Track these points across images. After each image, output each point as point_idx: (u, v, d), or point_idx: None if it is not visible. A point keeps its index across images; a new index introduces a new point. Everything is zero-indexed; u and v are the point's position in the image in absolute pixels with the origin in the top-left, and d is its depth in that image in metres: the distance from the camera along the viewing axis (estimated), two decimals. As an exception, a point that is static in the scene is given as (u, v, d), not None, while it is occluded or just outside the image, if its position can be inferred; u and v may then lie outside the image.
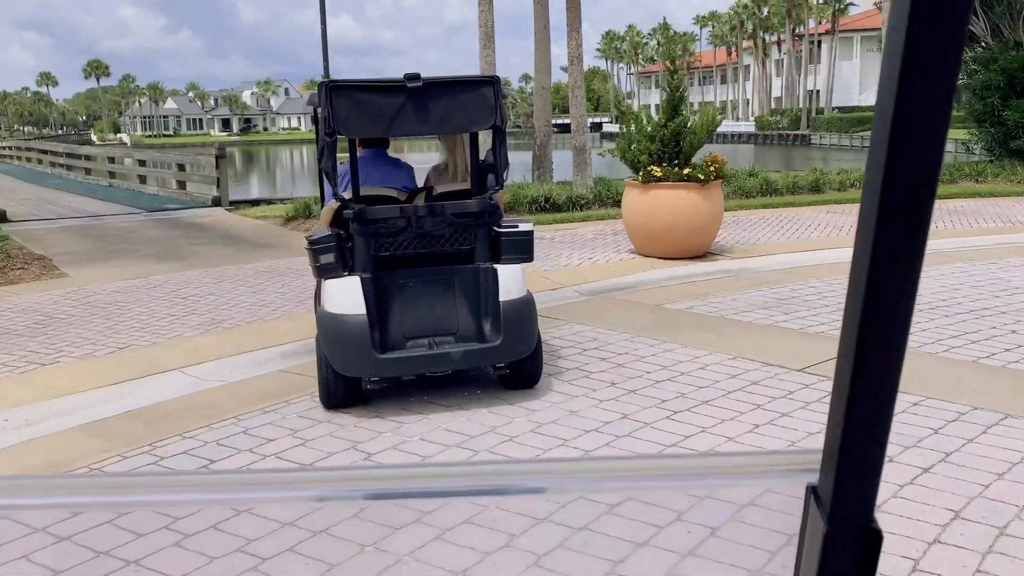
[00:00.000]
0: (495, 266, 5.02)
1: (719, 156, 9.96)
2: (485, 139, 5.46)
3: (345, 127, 4.77)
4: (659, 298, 8.11)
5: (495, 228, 5.07)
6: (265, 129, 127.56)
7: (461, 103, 4.83)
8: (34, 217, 14.41)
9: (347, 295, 4.81)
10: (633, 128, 10.08)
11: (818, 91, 71.88)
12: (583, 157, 15.17)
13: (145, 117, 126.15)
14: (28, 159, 31.28)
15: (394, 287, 4.96)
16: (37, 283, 9.23)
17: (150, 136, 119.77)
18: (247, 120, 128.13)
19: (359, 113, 4.75)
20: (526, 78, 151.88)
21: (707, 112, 10.19)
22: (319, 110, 4.99)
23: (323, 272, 4.95)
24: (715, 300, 7.89)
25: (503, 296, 4.93)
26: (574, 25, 14.95)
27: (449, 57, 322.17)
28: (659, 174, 9.61)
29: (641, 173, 9.76)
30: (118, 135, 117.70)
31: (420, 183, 5.79)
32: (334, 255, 4.83)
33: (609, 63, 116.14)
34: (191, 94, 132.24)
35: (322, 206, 6.04)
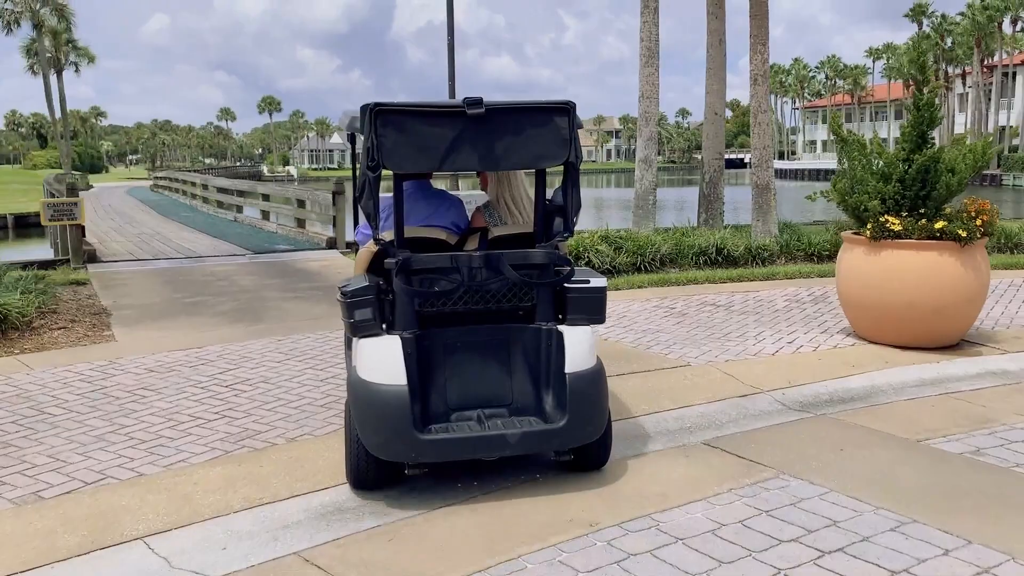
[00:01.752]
0: (560, 328, 4.23)
1: (987, 203, 6.92)
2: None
3: (392, 160, 3.93)
4: (914, 423, 5.26)
5: (564, 283, 4.26)
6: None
7: (529, 134, 4.02)
8: (130, 257, 12.96)
9: (386, 360, 4.02)
10: (857, 163, 7.18)
11: (1011, 126, 65.46)
12: (766, 197, 12.25)
13: (312, 151, 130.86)
14: (173, 189, 31.15)
15: (440, 349, 4.24)
16: (69, 350, 7.27)
17: (315, 169, 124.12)
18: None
19: (409, 144, 3.93)
20: (683, 112, 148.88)
21: (975, 144, 7.13)
22: (359, 138, 4.15)
23: (357, 330, 4.13)
24: (1010, 433, 4.96)
25: (570, 365, 4.14)
26: (759, 37, 12.13)
27: (602, 94, 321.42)
28: (898, 227, 6.70)
29: (870, 225, 6.85)
30: (287, 167, 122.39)
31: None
32: (371, 310, 4.08)
33: (773, 97, 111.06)
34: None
35: (357, 247, 5.08)
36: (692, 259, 11.21)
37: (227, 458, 4.71)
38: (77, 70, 58.36)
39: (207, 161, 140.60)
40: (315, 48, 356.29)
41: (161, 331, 8.02)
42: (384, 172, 4.00)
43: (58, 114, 58.57)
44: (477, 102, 3.89)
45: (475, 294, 4.24)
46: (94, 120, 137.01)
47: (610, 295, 9.89)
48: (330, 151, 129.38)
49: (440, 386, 4.23)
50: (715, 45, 13.65)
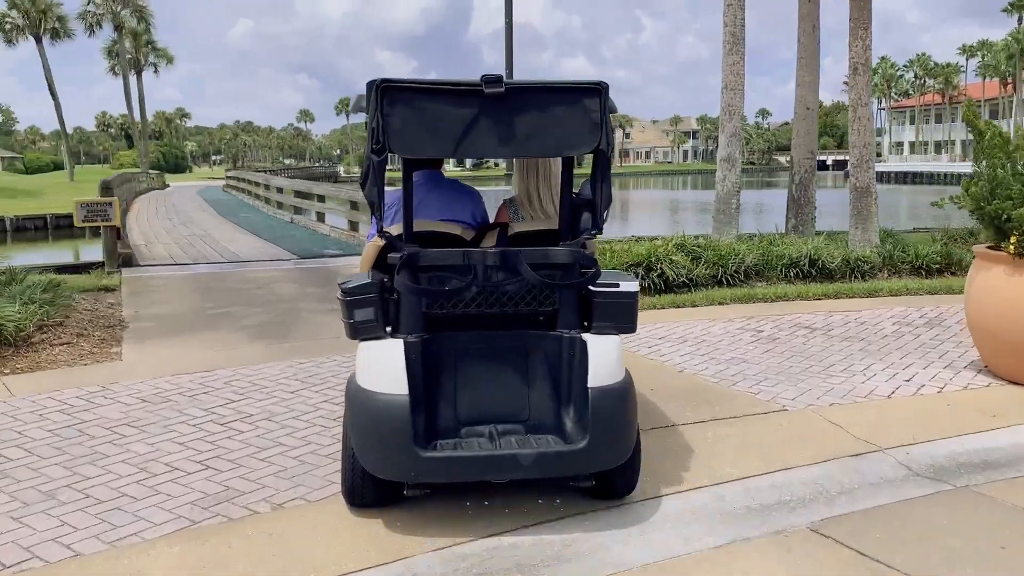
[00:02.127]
0: (584, 336, 3.73)
1: None
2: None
3: (400, 143, 3.43)
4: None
5: (589, 286, 3.74)
6: (496, 164, 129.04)
7: (555, 117, 3.50)
8: (169, 261, 12.22)
9: (386, 366, 3.59)
10: (997, 162, 5.82)
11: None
12: (866, 202, 10.81)
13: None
14: (240, 189, 30.87)
15: (450, 356, 3.78)
16: (64, 371, 6.41)
17: (392, 170, 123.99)
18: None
19: (419, 125, 3.43)
20: (763, 112, 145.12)
21: None
22: (366, 119, 3.56)
23: (357, 331, 3.67)
24: None
25: (594, 379, 3.63)
26: (860, 20, 10.70)
27: (679, 94, 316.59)
28: (1053, 242, 5.33)
29: (1014, 239, 5.51)
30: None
31: (491, 215, 4.54)
32: (373, 310, 3.62)
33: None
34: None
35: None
36: (781, 271, 9.87)
37: (191, 533, 3.69)
38: (156, 71, 59.37)
39: (286, 162, 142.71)
40: (393, 50, 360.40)
41: (174, 348, 7.11)
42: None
43: (137, 115, 59.56)
44: (496, 80, 3.41)
45: (490, 296, 3.79)
46: (179, 121, 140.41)
47: (687, 313, 8.77)
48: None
49: (449, 397, 3.81)
50: (808, 32, 12.25)
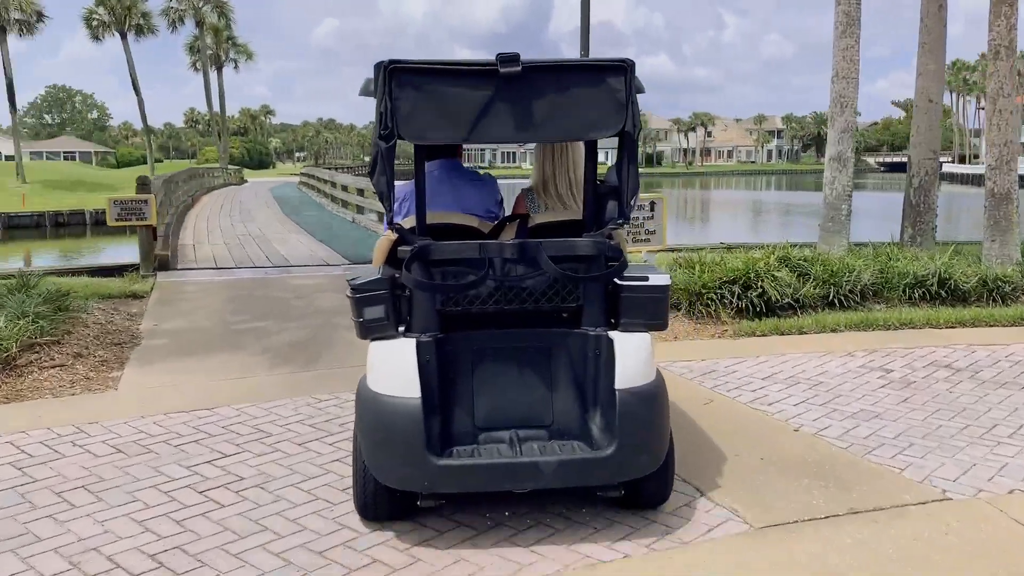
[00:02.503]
0: (611, 334, 3.52)
1: None
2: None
3: (409, 128, 3.23)
4: None
5: (615, 280, 3.51)
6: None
7: (577, 98, 3.31)
8: (211, 264, 11.25)
9: (397, 367, 3.38)
10: None
11: None
12: (1005, 210, 9.17)
13: (466, 149, 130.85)
14: (310, 186, 30.27)
15: (466, 356, 3.55)
16: (41, 404, 5.39)
17: (483, 168, 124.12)
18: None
19: (430, 109, 3.22)
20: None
21: None
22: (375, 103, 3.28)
23: (367, 331, 3.45)
24: None
25: (622, 380, 3.42)
26: (1004, -5, 9.05)
27: (763, 92, 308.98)
28: None
29: None
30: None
31: (508, 208, 4.14)
32: (384, 307, 3.41)
33: (954, 96, 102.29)
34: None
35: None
36: (904, 292, 8.32)
37: None
38: (236, 67, 59.61)
39: (367, 159, 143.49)
40: (473, 48, 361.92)
41: (181, 374, 6.03)
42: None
43: (217, 110, 60.04)
44: (512, 58, 3.21)
45: (509, 292, 3.57)
46: (263, 118, 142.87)
47: (794, 342, 7.17)
48: (481, 150, 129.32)
49: (466, 401, 3.57)
50: (932, 13, 10.63)
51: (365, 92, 3.51)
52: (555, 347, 3.61)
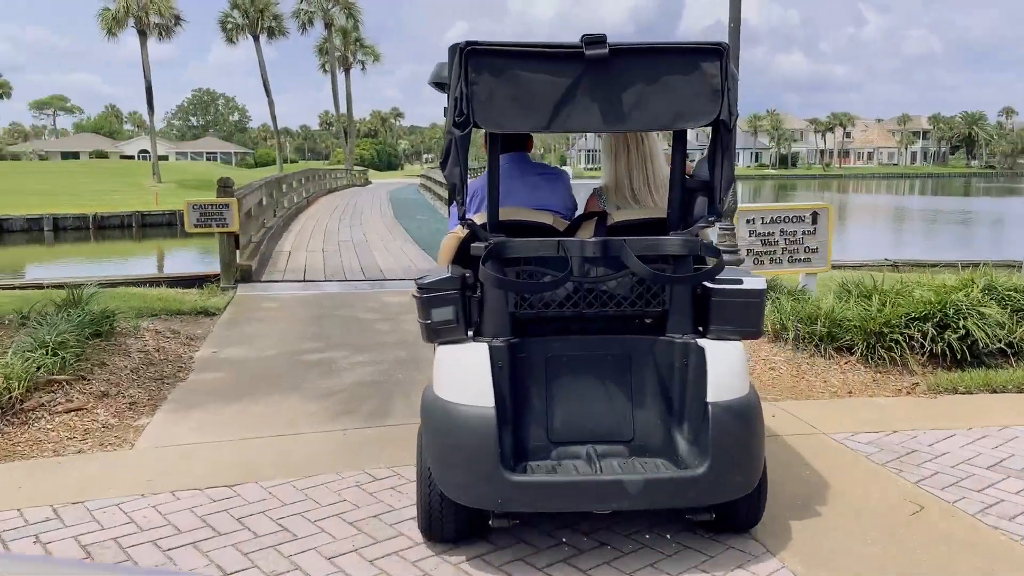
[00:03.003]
0: (701, 342, 3.25)
1: None
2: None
3: (487, 116, 3.01)
4: None
5: (705, 283, 3.28)
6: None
7: (668, 84, 3.03)
8: (297, 277, 10.14)
9: (469, 374, 3.15)
10: None
11: None
12: None
13: (590, 151, 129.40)
14: (426, 188, 29.45)
15: (540, 363, 3.32)
16: (33, 464, 4.29)
17: (591, 169, 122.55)
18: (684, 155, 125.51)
19: (509, 95, 3.00)
20: (1008, 112, 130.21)
21: None
22: (448, 88, 3.14)
23: (435, 334, 3.23)
24: None
25: (714, 393, 3.16)
26: None
27: (907, 91, 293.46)
28: None
29: None
30: (563, 167, 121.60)
31: (581, 205, 3.95)
32: (453, 309, 3.19)
33: None
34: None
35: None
36: None
37: None
38: (364, 68, 60.03)
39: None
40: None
41: (215, 428, 4.83)
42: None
43: (344, 111, 60.62)
44: (599, 40, 2.95)
45: (588, 294, 3.29)
46: (392, 120, 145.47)
47: (1011, 403, 4.64)
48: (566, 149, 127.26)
49: (539, 411, 3.31)
50: None
51: (437, 79, 3.35)
52: (637, 355, 3.36)
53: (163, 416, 5.04)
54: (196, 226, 9.01)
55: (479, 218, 3.38)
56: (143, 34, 43.89)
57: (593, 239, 3.24)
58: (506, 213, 3.37)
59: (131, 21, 43.56)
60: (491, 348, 3.18)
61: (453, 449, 3.11)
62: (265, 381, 5.79)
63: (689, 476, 3.09)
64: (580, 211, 3.91)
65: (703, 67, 3.05)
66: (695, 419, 3.22)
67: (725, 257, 4.63)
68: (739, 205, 6.35)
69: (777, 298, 6.77)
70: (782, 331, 6.28)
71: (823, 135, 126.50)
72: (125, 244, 29.61)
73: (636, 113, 3.05)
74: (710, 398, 3.15)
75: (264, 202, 14.57)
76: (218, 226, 9.05)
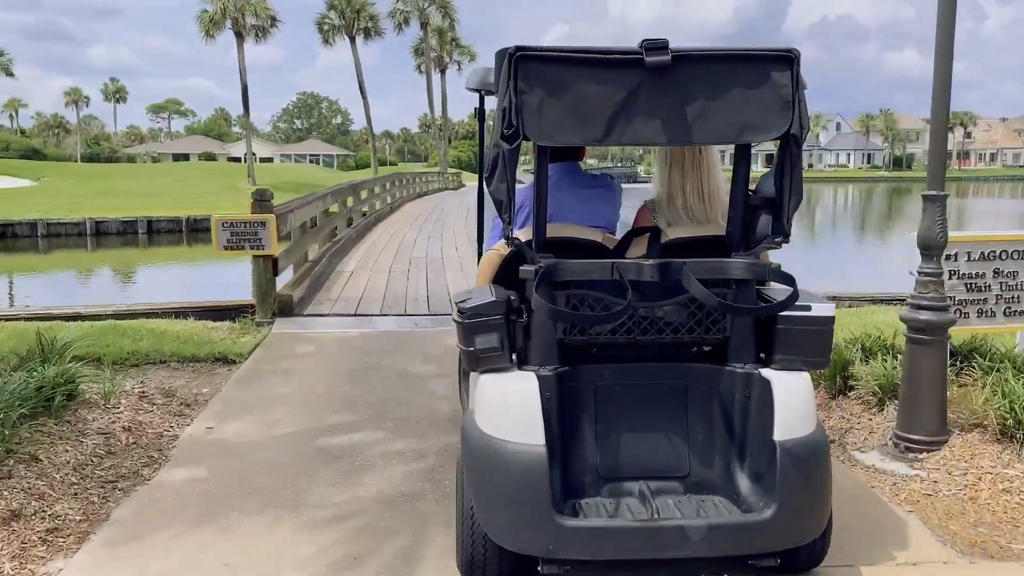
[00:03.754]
0: (766, 373, 3.02)
1: None
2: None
3: (537, 127, 2.78)
4: None
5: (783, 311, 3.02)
6: (810, 166, 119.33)
7: (734, 94, 2.81)
8: (347, 310, 8.32)
9: (517, 408, 2.90)
10: None
11: None
12: None
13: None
14: (520, 193, 27.66)
15: (588, 393, 3.09)
16: None
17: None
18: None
19: (562, 105, 2.77)
20: None
21: None
22: (495, 97, 2.92)
23: (478, 362, 2.98)
24: None
25: (781, 430, 2.92)
26: None
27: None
28: None
29: None
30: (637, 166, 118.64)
31: (629, 222, 3.65)
32: (498, 335, 2.94)
33: None
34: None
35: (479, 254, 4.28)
36: None
37: None
38: (459, 68, 58.82)
39: (590, 162, 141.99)
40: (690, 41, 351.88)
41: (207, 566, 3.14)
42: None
43: (439, 112, 59.58)
44: (661, 46, 2.72)
45: (643, 320, 3.06)
46: (490, 122, 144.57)
47: None
48: (722, 151, 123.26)
49: (589, 445, 3.08)
50: None
51: (481, 85, 3.42)
52: (694, 385, 3.12)
53: (87, 557, 3.40)
54: (227, 247, 7.45)
55: (524, 234, 3.13)
56: (239, 35, 43.71)
57: (651, 262, 2.99)
58: (553, 230, 3.17)
59: (228, 23, 43.39)
60: (539, 378, 2.97)
61: (499, 490, 2.89)
62: (258, 486, 4.10)
63: (755, 521, 2.87)
64: (629, 224, 3.63)
65: (773, 76, 2.86)
66: (758, 457, 3.00)
67: (926, 316, 4.26)
68: (949, 236, 4.34)
69: (994, 370, 4.72)
70: (1015, 428, 4.22)
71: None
72: (210, 248, 28.97)
73: (700, 125, 2.84)
74: (777, 436, 2.93)
75: (332, 211, 13.07)
76: (252, 247, 7.46)
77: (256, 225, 7.43)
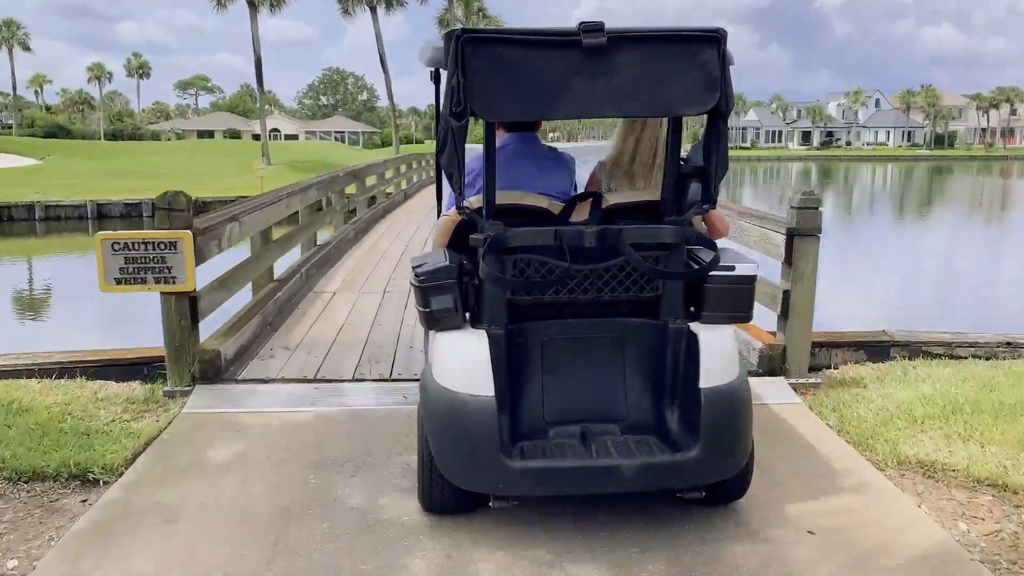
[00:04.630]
0: (694, 327, 3.40)
1: None
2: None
3: (484, 103, 3.01)
4: None
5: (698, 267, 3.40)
6: (848, 143, 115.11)
7: (665, 71, 3.09)
8: (298, 373, 5.56)
9: (469, 363, 3.25)
10: None
11: None
12: None
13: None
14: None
15: (536, 348, 3.42)
16: None
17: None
18: (829, 133, 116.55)
19: (507, 83, 3.01)
20: None
21: None
22: (442, 75, 3.37)
23: (434, 322, 3.31)
24: None
25: (707, 377, 3.29)
26: None
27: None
28: None
29: None
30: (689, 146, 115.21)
31: (582, 184, 3.98)
32: (452, 297, 3.27)
33: None
34: (773, 105, 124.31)
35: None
36: None
37: None
38: (486, 41, 55.92)
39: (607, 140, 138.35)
40: (733, 23, 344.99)
41: None
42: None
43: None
44: (597, 27, 2.95)
45: (584, 280, 3.40)
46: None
47: None
48: (743, 129, 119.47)
49: (535, 395, 3.42)
50: None
51: (431, 62, 3.48)
52: (630, 339, 3.47)
53: None
54: (119, 282, 4.94)
55: (477, 201, 3.33)
56: (252, 5, 41.21)
57: (590, 229, 3.27)
58: (502, 196, 3.32)
59: (241, -8, 40.93)
60: (490, 336, 3.26)
61: (454, 436, 3.22)
62: None
63: (681, 460, 3.20)
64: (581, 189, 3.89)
65: (700, 54, 3.05)
66: (687, 402, 3.32)
67: None
68: None
69: None
70: None
71: (986, 112, 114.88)
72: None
73: (634, 100, 3.06)
74: (702, 383, 3.25)
75: (320, 208, 10.58)
76: (157, 281, 4.97)
77: (163, 247, 4.92)
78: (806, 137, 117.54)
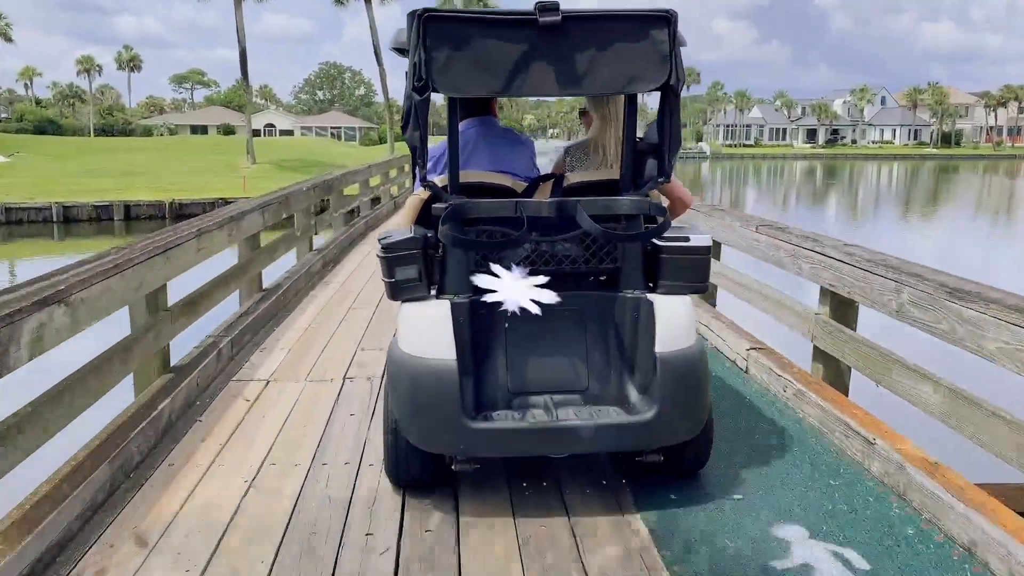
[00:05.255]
0: (650, 296, 3.49)
1: None
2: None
3: (444, 80, 3.17)
4: None
5: (654, 241, 3.50)
6: (854, 141, 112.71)
7: (618, 50, 3.24)
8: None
9: (431, 330, 3.36)
10: None
11: None
12: None
13: (728, 126, 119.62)
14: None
15: (499, 319, 3.48)
16: None
17: (730, 145, 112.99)
18: (834, 131, 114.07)
19: (466, 60, 3.17)
20: None
21: None
22: (407, 54, 3.32)
23: (399, 291, 3.42)
24: None
25: (662, 344, 3.40)
26: None
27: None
28: None
29: None
30: (699, 143, 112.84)
31: (548, 168, 4.13)
32: (416, 267, 3.38)
33: None
34: (778, 102, 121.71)
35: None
36: None
37: None
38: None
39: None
40: (733, 20, 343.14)
41: None
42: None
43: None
44: (552, 7, 3.12)
45: (544, 253, 3.52)
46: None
47: None
48: (747, 126, 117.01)
49: (499, 365, 3.50)
50: None
51: (397, 44, 3.47)
52: (591, 310, 3.55)
53: None
54: None
55: (441, 180, 3.47)
56: (237, -7, 38.64)
57: (548, 200, 3.43)
58: (468, 176, 3.48)
59: (225, -21, 38.30)
60: (452, 305, 3.35)
61: (417, 400, 3.29)
62: None
63: (639, 421, 3.29)
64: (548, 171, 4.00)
65: (652, 34, 3.19)
66: (645, 369, 3.40)
67: None
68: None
69: None
70: None
71: (993, 110, 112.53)
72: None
73: (588, 78, 3.19)
74: (659, 349, 3.34)
75: (285, 225, 7.98)
76: None
77: None
78: (811, 135, 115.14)
